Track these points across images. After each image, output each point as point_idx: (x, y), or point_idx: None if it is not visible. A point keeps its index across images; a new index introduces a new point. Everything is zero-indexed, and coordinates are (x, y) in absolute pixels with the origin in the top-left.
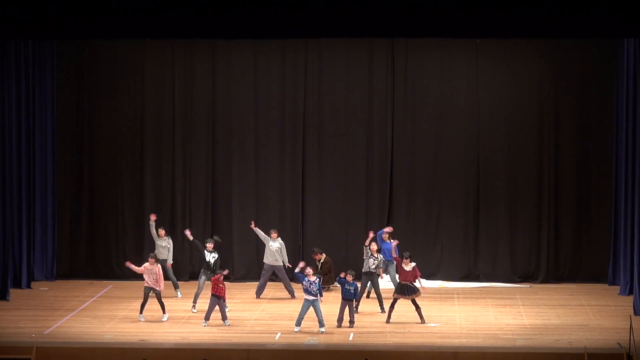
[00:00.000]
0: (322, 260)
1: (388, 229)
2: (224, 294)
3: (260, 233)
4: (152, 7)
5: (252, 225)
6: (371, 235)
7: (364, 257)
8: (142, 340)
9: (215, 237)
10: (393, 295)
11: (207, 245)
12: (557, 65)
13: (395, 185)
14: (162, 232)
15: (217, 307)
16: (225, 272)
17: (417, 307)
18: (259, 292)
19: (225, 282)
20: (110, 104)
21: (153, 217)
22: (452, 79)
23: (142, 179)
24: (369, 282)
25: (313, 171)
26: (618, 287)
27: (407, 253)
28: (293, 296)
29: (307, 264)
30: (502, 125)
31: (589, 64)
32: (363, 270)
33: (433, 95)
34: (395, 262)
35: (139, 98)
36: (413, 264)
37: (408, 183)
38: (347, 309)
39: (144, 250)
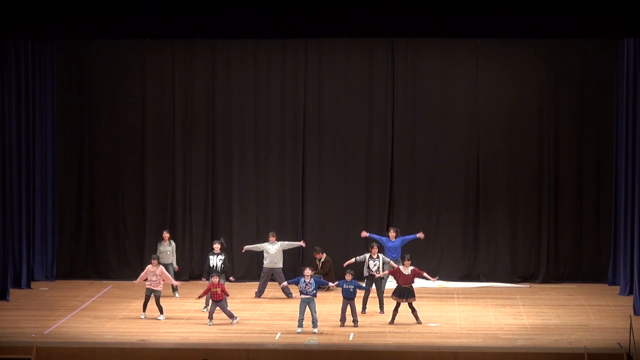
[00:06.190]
0: (322, 260)
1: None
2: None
3: (252, 248)
4: (152, 7)
5: (243, 250)
6: (364, 234)
7: (363, 260)
8: (142, 340)
9: (222, 239)
10: (392, 298)
11: (215, 247)
12: (557, 65)
13: (395, 185)
14: (166, 235)
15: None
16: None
17: (414, 310)
18: (259, 294)
19: (222, 283)
20: (110, 104)
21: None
22: (452, 79)
23: (142, 178)
24: (373, 284)
25: (313, 171)
26: (618, 287)
27: (408, 255)
28: (290, 296)
29: (307, 264)
30: (502, 125)
31: (589, 64)
32: (365, 275)
33: (433, 95)
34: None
35: (139, 98)
36: (411, 268)
37: (408, 183)
38: (349, 308)
39: (145, 250)
